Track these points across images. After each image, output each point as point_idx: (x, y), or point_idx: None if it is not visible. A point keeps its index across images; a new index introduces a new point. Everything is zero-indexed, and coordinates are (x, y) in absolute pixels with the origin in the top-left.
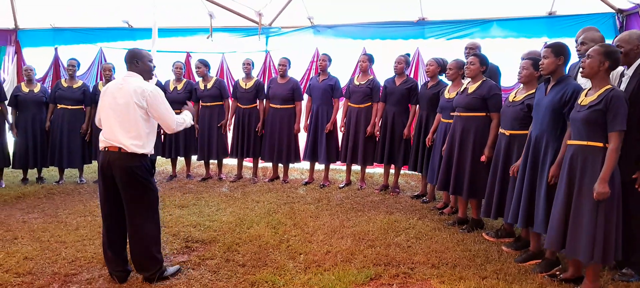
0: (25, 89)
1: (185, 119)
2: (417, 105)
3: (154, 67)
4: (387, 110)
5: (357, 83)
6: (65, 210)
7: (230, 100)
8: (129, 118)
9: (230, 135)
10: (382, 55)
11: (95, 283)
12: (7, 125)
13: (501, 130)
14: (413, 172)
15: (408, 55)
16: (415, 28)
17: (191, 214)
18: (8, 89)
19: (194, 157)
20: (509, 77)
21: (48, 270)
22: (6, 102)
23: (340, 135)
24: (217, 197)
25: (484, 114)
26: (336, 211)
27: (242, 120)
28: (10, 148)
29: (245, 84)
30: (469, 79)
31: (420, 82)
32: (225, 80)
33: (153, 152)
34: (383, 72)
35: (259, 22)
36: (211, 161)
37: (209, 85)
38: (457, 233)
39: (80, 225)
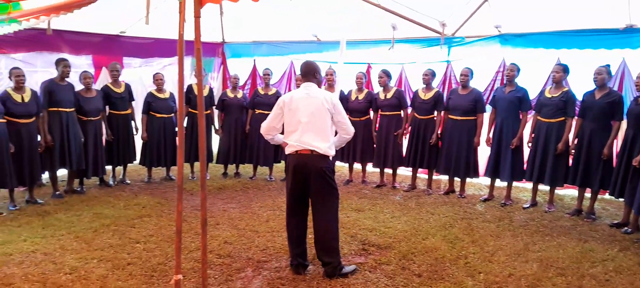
0: (230, 95)
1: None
2: (621, 122)
3: (322, 79)
4: (585, 126)
5: (549, 96)
6: (257, 203)
7: (408, 110)
8: (320, 123)
9: (405, 144)
10: (579, 66)
11: (283, 272)
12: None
13: None
14: (611, 198)
15: (608, 66)
16: (622, 36)
17: (367, 218)
18: (215, 95)
19: (369, 164)
20: None
21: (243, 255)
22: (214, 107)
23: (526, 151)
24: (391, 204)
25: None
26: (520, 232)
27: (418, 131)
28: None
29: (425, 95)
30: None
31: (626, 96)
32: (403, 90)
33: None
34: (579, 85)
35: (441, 32)
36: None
37: (389, 95)
38: None
39: (270, 218)
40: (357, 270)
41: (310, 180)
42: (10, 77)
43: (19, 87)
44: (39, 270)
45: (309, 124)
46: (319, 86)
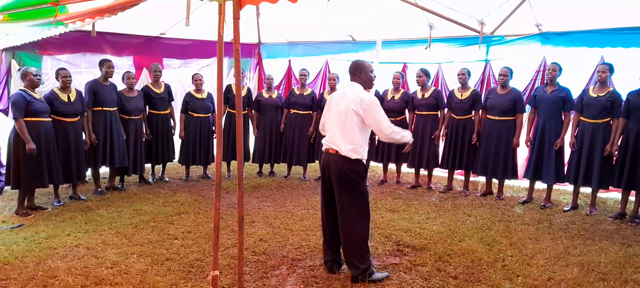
0: (265, 95)
1: (404, 134)
2: None
3: (375, 77)
4: (630, 127)
5: (594, 95)
6: (291, 201)
7: (445, 111)
8: (347, 124)
9: (441, 145)
10: (624, 66)
11: (317, 271)
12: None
13: None
14: None
15: None
16: None
17: (402, 219)
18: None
19: (404, 165)
20: None
21: (278, 252)
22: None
23: (566, 153)
24: (427, 205)
25: None
26: (560, 236)
27: (455, 131)
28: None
29: (461, 95)
30: None
31: None
32: (441, 89)
33: (366, 158)
34: (622, 85)
35: (480, 31)
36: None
37: (427, 95)
38: None
39: (304, 217)
40: (389, 277)
41: (332, 180)
42: (57, 78)
43: (66, 87)
44: (81, 263)
45: (337, 123)
46: (366, 84)
